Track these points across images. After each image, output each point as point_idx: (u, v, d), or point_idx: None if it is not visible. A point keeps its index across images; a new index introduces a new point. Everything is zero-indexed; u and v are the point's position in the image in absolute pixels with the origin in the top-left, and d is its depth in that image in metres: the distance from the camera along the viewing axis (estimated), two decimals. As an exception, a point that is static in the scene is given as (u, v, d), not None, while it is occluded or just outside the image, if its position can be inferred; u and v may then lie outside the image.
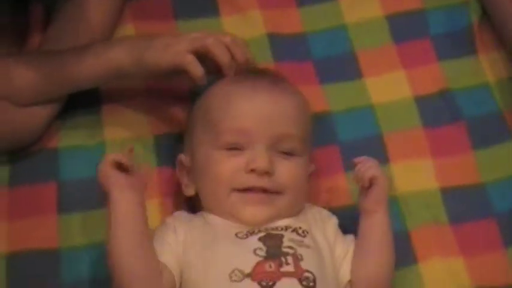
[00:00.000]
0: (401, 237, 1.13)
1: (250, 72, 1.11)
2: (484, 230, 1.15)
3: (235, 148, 1.04)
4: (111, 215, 0.98)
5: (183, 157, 1.10)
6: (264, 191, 1.03)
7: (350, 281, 1.04)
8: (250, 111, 1.05)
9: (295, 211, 1.06)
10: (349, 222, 1.08)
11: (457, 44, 1.30)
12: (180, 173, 1.11)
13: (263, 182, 1.03)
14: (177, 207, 1.14)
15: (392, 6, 1.34)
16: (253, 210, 1.03)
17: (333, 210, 1.11)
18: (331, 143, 1.21)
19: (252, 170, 1.02)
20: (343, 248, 1.06)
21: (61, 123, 1.20)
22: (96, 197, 1.14)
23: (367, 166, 1.06)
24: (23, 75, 1.13)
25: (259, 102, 1.06)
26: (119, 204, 0.98)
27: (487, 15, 1.30)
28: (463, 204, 1.17)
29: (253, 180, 1.03)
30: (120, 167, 0.99)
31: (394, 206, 1.15)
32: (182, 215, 1.08)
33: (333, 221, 1.09)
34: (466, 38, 1.30)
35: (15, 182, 1.16)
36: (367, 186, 1.05)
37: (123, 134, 1.20)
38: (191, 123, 1.11)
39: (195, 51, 1.09)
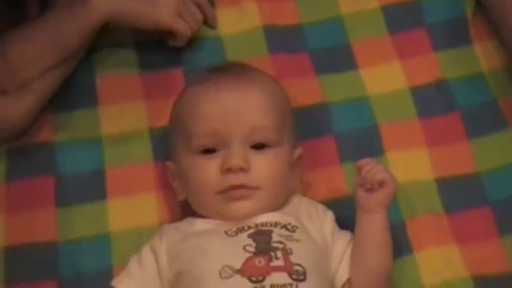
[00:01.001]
0: (398, 227, 1.13)
1: (216, 69, 1.12)
2: (479, 219, 1.15)
3: (210, 150, 1.04)
4: None
5: (170, 164, 1.10)
6: (244, 187, 1.03)
7: (349, 280, 1.04)
8: (216, 112, 1.04)
9: (280, 202, 1.06)
10: (344, 214, 1.09)
11: (452, 34, 1.30)
12: (171, 179, 1.11)
13: (241, 179, 1.02)
14: (172, 200, 1.14)
15: (387, -4, 1.34)
16: (238, 204, 1.02)
17: (328, 202, 1.12)
18: (327, 134, 1.21)
19: (228, 169, 1.02)
20: (342, 246, 1.05)
21: (58, 117, 1.20)
22: (93, 190, 1.16)
23: (376, 169, 1.04)
24: (17, 48, 1.14)
25: (223, 101, 1.05)
26: None
27: (481, 5, 1.30)
28: (459, 194, 1.17)
29: (231, 179, 1.02)
30: None
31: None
32: (167, 229, 1.07)
33: (329, 216, 1.08)
34: (461, 27, 1.30)
35: (12, 176, 1.16)
36: (375, 189, 1.03)
37: (119, 127, 1.20)
38: (170, 129, 1.12)
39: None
